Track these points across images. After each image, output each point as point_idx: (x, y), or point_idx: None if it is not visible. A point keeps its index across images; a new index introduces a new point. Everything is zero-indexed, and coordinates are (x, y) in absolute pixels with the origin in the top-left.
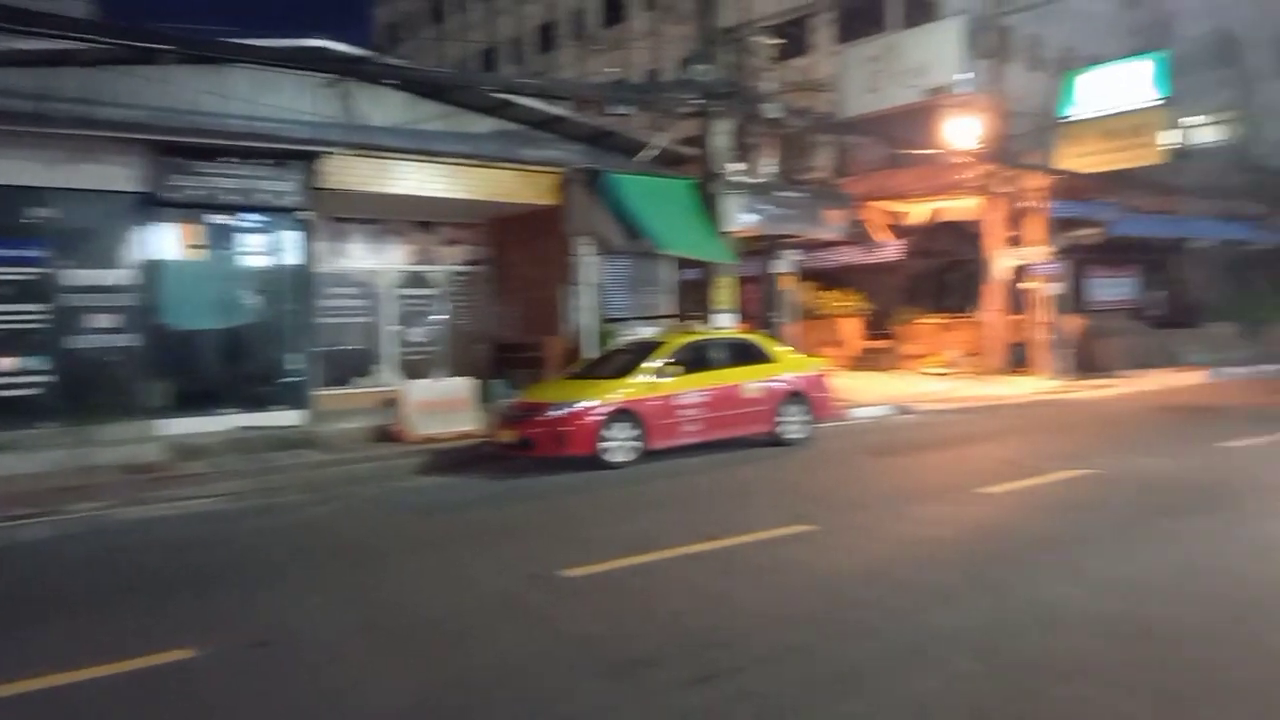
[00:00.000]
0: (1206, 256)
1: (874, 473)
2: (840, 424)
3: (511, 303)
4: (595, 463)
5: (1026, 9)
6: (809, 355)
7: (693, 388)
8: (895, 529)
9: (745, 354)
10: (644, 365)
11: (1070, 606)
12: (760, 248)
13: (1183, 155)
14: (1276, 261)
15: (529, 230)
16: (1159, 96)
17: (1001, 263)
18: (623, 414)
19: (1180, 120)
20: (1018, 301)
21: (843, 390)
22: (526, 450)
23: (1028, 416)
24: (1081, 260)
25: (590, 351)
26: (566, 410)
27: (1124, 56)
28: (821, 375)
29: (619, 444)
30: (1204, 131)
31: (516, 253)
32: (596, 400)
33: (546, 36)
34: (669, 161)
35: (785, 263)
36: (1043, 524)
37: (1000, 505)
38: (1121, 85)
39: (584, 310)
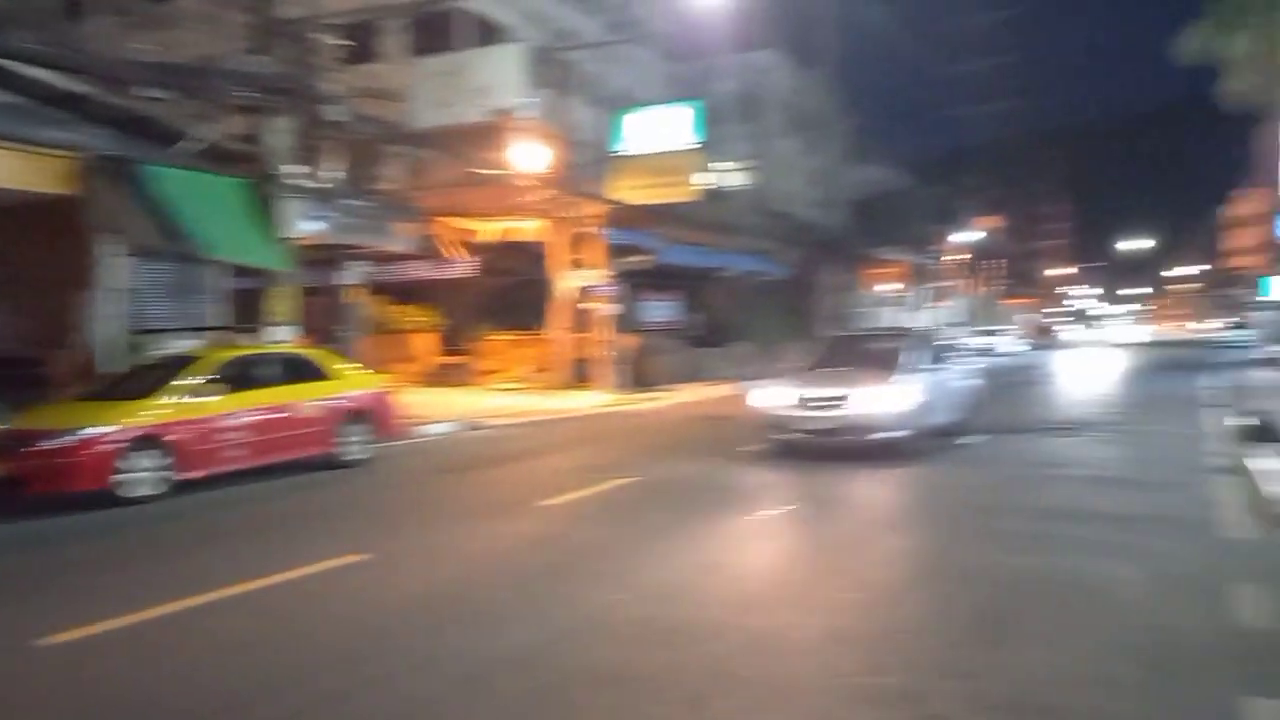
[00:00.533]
0: (733, 284)
1: (438, 492)
2: (408, 442)
3: (10, 308)
4: (110, 499)
5: (581, 47)
6: (376, 371)
7: (238, 408)
8: (456, 549)
9: (301, 370)
10: (177, 383)
11: (614, 614)
12: (326, 257)
13: (714, 195)
14: (784, 290)
15: (35, 223)
16: (695, 140)
17: (566, 283)
18: (147, 440)
19: (712, 164)
20: (581, 320)
21: (412, 407)
22: (17, 488)
23: (588, 428)
24: (635, 284)
25: (114, 367)
26: (72, 438)
27: (667, 101)
28: (386, 392)
29: (143, 475)
30: (731, 176)
31: (17, 249)
32: (113, 425)
33: (73, 2)
34: (219, 157)
35: (353, 274)
36: (593, 533)
37: (557, 517)
38: (664, 127)
39: (107, 319)
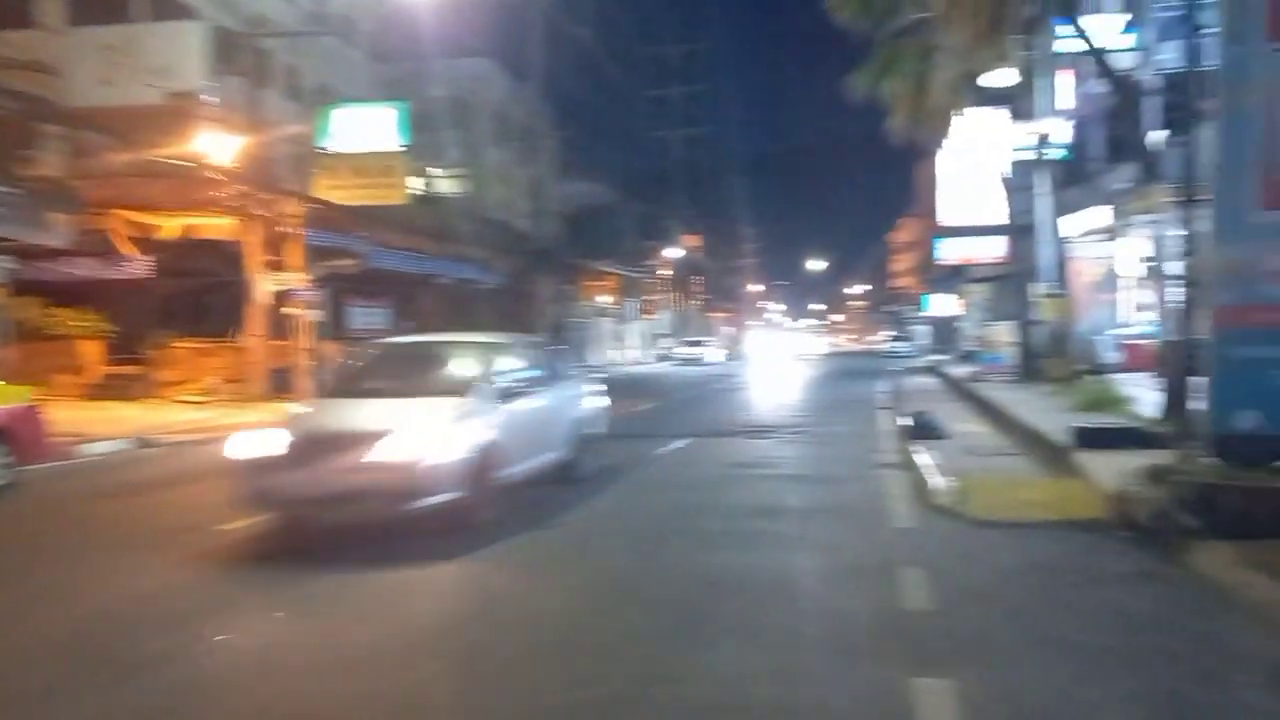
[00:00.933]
0: (447, 292)
1: (93, 519)
2: (65, 464)
3: None
4: None
5: (275, 35)
6: (23, 383)
7: None
8: (103, 585)
9: None
10: None
11: (293, 646)
12: None
13: (425, 200)
14: (501, 299)
15: None
16: (401, 142)
17: (263, 287)
18: None
19: (425, 168)
20: (280, 327)
21: (73, 423)
22: None
23: None
24: (341, 289)
25: None
26: None
27: (373, 100)
28: (33, 407)
29: None
30: (443, 182)
31: None
32: None
33: None
34: None
35: None
36: (275, 557)
37: (235, 542)
38: (371, 127)
39: None
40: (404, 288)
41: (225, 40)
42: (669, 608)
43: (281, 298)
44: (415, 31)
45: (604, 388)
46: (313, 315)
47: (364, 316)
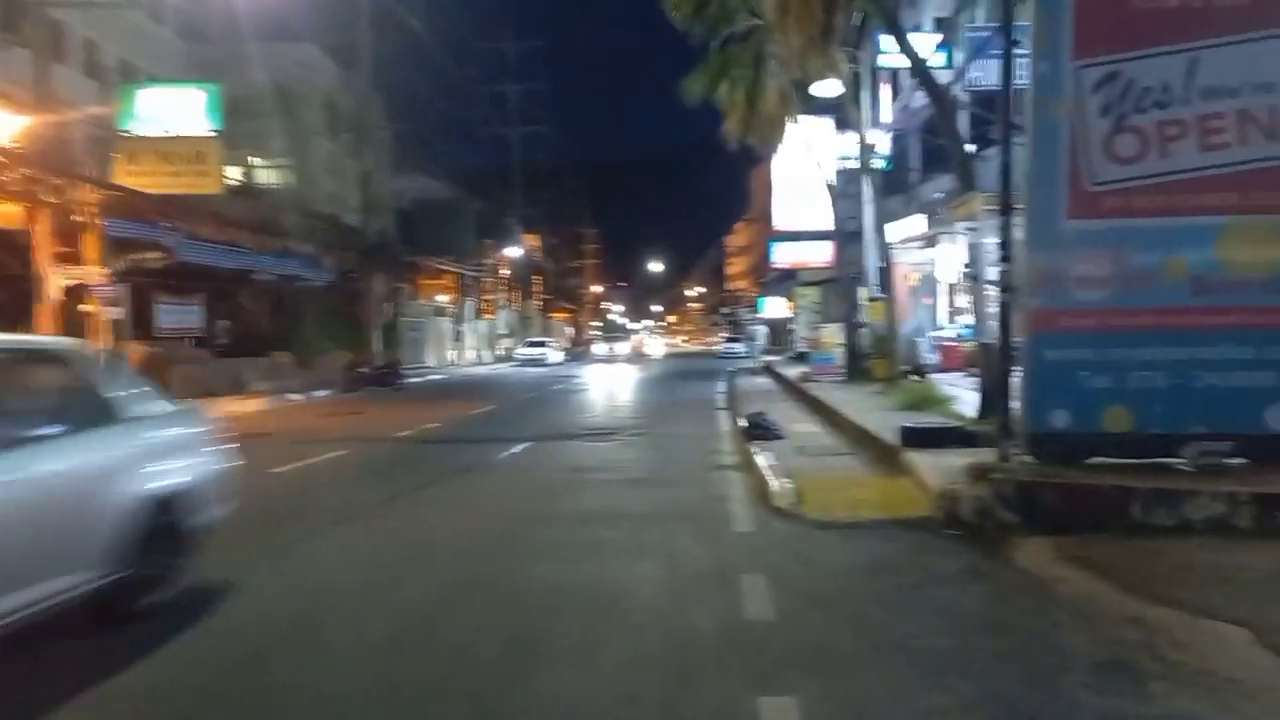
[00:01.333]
0: (269, 289)
1: None
2: None
3: None
4: None
5: (72, 5)
6: None
7: None
8: None
9: None
10: None
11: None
12: None
13: (245, 191)
14: (330, 297)
15: None
16: (212, 127)
17: (54, 282)
18: None
19: (246, 157)
20: (77, 326)
21: None
22: None
23: None
24: (147, 284)
25: None
26: None
27: (182, 81)
28: None
29: None
30: (265, 173)
31: None
32: None
33: None
34: None
35: None
36: None
37: None
38: (179, 109)
39: None
40: (220, 284)
41: (8, 6)
42: (500, 629)
43: (76, 294)
44: (232, 11)
45: (223, 431)
46: (112, 313)
47: (173, 315)
